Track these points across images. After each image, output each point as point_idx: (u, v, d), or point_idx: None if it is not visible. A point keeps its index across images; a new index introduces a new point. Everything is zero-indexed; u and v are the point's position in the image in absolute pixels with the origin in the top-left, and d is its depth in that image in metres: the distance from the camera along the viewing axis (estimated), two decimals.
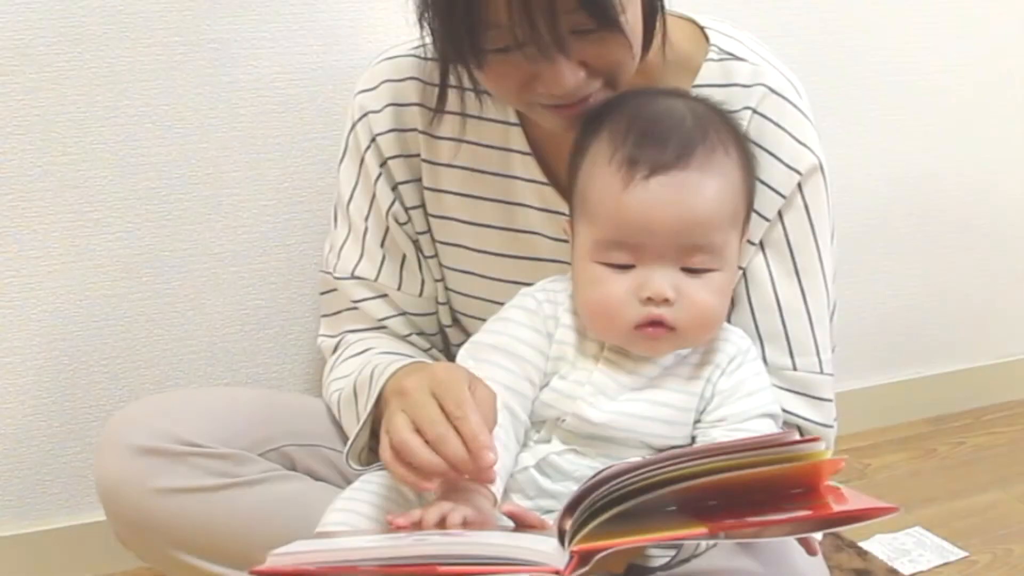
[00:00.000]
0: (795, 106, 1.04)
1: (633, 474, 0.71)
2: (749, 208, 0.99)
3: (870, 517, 0.72)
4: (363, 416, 1.01)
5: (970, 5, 1.83)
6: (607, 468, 0.73)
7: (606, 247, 0.94)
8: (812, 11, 1.71)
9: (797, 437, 0.73)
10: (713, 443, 0.78)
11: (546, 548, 0.70)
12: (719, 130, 0.95)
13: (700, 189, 0.92)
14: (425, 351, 1.21)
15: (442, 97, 1.04)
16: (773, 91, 1.03)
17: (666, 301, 0.92)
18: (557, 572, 0.67)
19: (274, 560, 0.73)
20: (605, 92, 0.96)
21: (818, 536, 1.05)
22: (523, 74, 0.93)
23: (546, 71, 0.92)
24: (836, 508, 0.71)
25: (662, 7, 0.99)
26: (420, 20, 0.95)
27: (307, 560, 0.72)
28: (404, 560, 0.69)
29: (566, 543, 0.70)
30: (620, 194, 0.92)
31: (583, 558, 0.69)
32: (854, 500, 0.73)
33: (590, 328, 0.97)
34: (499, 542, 0.71)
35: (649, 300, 0.92)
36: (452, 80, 1.02)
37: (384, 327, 1.18)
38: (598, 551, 0.69)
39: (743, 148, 0.98)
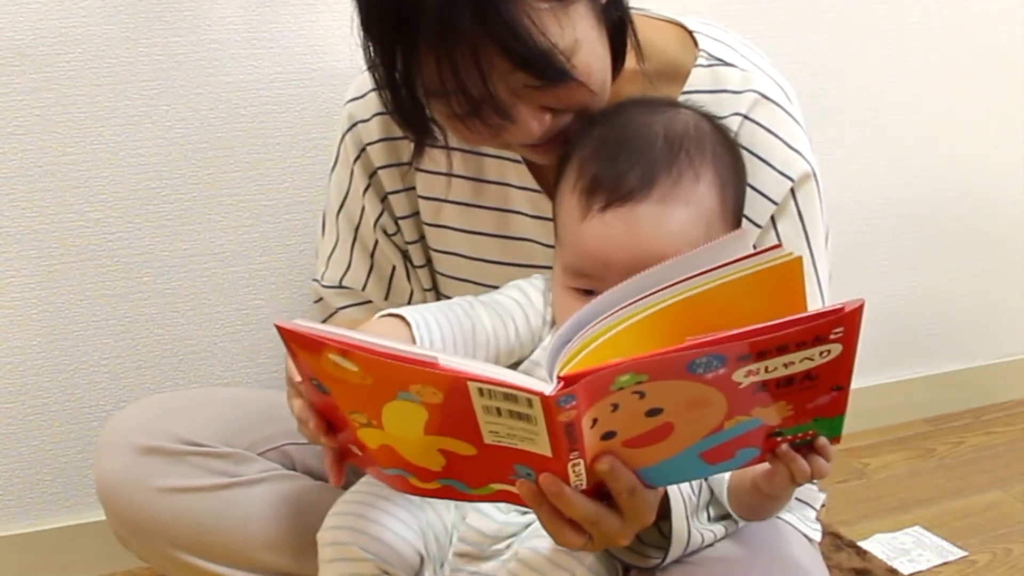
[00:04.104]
0: (786, 112, 1.02)
1: (612, 308, 0.72)
2: (734, 225, 0.95)
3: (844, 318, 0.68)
4: None
5: (970, 5, 1.83)
6: (583, 310, 0.73)
7: (572, 273, 0.92)
8: (812, 11, 1.72)
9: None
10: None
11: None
12: (693, 152, 0.91)
13: (660, 222, 0.88)
14: None
15: (419, 148, 1.00)
16: (764, 97, 1.01)
17: None
18: (541, 394, 0.69)
19: (297, 324, 0.78)
20: (580, 121, 0.94)
21: (817, 536, 1.06)
22: (487, 130, 0.91)
23: (507, 125, 0.90)
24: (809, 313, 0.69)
25: (630, 21, 0.97)
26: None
27: (327, 332, 0.76)
28: (410, 353, 0.72)
29: (553, 375, 0.72)
30: (578, 225, 0.90)
31: (568, 384, 0.70)
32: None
33: None
34: (499, 370, 0.73)
35: None
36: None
37: None
38: (584, 376, 0.70)
39: (720, 167, 0.92)
